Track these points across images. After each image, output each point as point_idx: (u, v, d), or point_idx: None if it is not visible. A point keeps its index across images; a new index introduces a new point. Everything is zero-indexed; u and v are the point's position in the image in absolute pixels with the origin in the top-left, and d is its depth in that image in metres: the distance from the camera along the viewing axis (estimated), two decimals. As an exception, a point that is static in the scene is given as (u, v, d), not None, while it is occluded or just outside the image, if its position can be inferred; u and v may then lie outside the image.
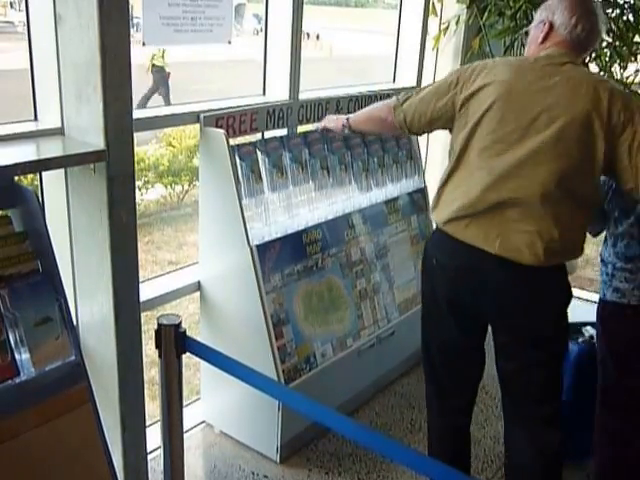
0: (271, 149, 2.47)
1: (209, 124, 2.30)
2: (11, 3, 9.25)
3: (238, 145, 2.36)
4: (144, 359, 2.03)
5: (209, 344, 1.72)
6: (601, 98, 1.69)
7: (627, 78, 3.26)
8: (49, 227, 1.70)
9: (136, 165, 1.88)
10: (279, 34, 2.58)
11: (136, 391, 2.02)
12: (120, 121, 1.75)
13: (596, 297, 2.19)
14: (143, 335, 2.02)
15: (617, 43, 3.20)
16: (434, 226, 2.03)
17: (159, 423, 1.77)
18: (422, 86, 2.09)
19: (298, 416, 2.21)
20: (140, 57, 7.30)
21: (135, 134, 1.82)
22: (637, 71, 3.25)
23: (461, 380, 2.07)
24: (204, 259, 2.48)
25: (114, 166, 1.77)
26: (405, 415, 2.81)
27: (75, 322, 1.95)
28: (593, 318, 2.21)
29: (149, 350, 2.31)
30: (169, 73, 8.21)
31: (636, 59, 3.24)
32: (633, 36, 3.21)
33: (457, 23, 3.42)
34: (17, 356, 1.56)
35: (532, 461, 1.94)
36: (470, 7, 3.35)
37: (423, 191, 3.21)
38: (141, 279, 1.98)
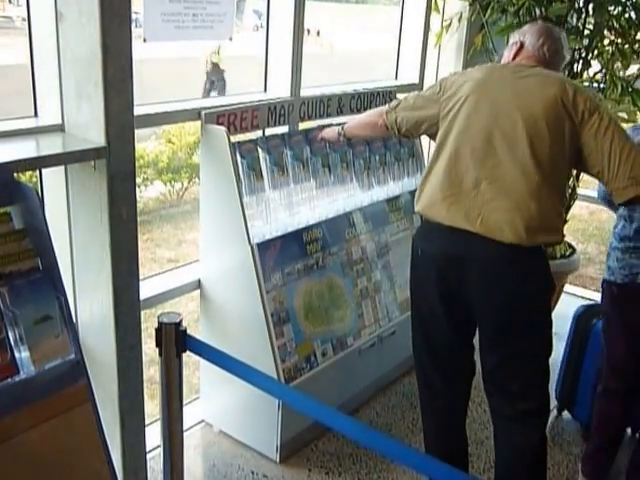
0: (272, 146, 2.45)
1: (210, 121, 2.28)
2: (9, -2, 9.21)
3: (239, 142, 2.35)
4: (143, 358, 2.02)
5: (209, 343, 1.71)
6: (567, 89, 1.84)
7: (629, 76, 3.25)
8: (49, 224, 1.68)
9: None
10: (281, 30, 2.57)
11: (136, 390, 2.01)
12: (121, 118, 1.74)
13: (597, 297, 2.22)
14: (142, 334, 2.01)
15: (619, 41, 3.19)
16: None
17: (158, 422, 1.77)
18: (422, 87, 2.19)
19: (298, 416, 2.20)
20: (195, 52, 7.70)
21: (135, 131, 1.80)
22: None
23: (453, 380, 2.10)
24: (204, 257, 2.47)
25: (115, 163, 1.75)
26: (406, 415, 2.80)
27: (74, 320, 1.94)
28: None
29: (148, 349, 2.29)
30: (224, 70, 8.43)
31: (638, 57, 3.23)
32: (635, 34, 3.20)
33: (459, 20, 3.41)
34: (17, 354, 1.54)
35: (514, 458, 1.98)
36: (472, 4, 3.35)
37: (424, 189, 3.20)
38: (140, 277, 1.97)
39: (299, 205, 2.55)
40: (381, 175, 2.96)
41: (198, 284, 2.50)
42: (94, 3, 1.61)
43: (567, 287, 3.82)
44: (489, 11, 3.28)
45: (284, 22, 2.54)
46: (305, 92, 2.69)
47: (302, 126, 2.72)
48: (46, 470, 1.62)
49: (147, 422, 2.13)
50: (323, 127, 2.63)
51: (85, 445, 1.71)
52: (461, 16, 3.40)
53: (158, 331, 1.59)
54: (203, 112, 2.27)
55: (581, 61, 3.28)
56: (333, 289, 2.60)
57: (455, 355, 2.06)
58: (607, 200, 2.14)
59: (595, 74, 3.33)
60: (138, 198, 1.89)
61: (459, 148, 1.89)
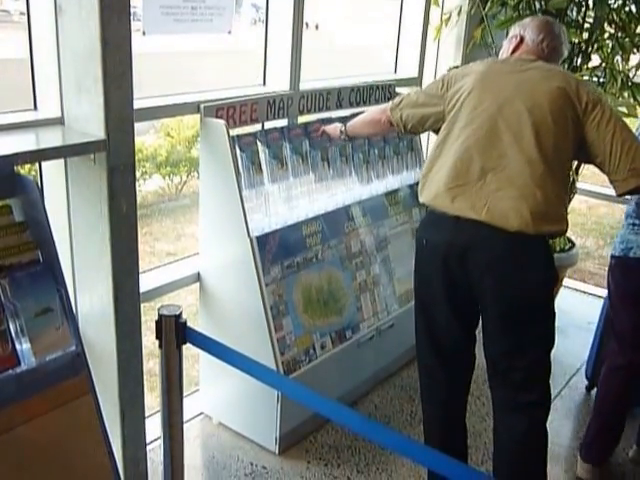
0: (271, 140, 2.46)
1: (209, 114, 2.28)
2: (8, -9, 9.18)
3: (238, 136, 2.35)
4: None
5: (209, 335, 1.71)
6: (570, 81, 1.89)
7: (629, 70, 3.25)
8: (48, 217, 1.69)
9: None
10: (280, 23, 2.57)
11: (136, 382, 2.02)
12: (121, 111, 1.74)
13: (599, 291, 2.23)
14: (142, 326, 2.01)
15: (619, 34, 3.19)
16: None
17: (158, 414, 1.77)
18: (421, 84, 2.20)
19: (297, 408, 2.21)
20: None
21: (135, 124, 1.80)
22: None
23: (454, 371, 2.10)
24: (204, 250, 2.48)
25: (114, 156, 1.76)
26: (405, 407, 2.81)
27: (75, 312, 1.95)
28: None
29: (147, 341, 2.30)
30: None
31: (638, 50, 3.23)
32: (635, 27, 3.20)
33: (459, 13, 3.40)
34: (18, 346, 1.55)
35: (514, 450, 1.98)
36: (472, -2, 3.34)
37: (423, 183, 3.20)
38: (139, 271, 1.97)
39: (298, 198, 2.56)
40: (380, 169, 2.96)
41: (197, 277, 2.50)
42: (93, -4, 1.61)
43: (566, 281, 3.83)
44: (489, 4, 3.27)
45: (283, 15, 2.54)
46: (304, 85, 2.69)
47: (301, 119, 2.72)
48: (47, 461, 1.63)
49: (147, 414, 2.15)
50: (323, 121, 2.64)
51: (86, 436, 1.72)
52: (460, 9, 3.40)
53: (158, 323, 1.60)
54: (202, 105, 2.27)
55: (581, 55, 3.28)
56: (332, 282, 2.60)
57: (457, 345, 2.06)
58: None
59: (595, 68, 3.33)
60: (137, 192, 1.90)
61: (464, 139, 1.90)
